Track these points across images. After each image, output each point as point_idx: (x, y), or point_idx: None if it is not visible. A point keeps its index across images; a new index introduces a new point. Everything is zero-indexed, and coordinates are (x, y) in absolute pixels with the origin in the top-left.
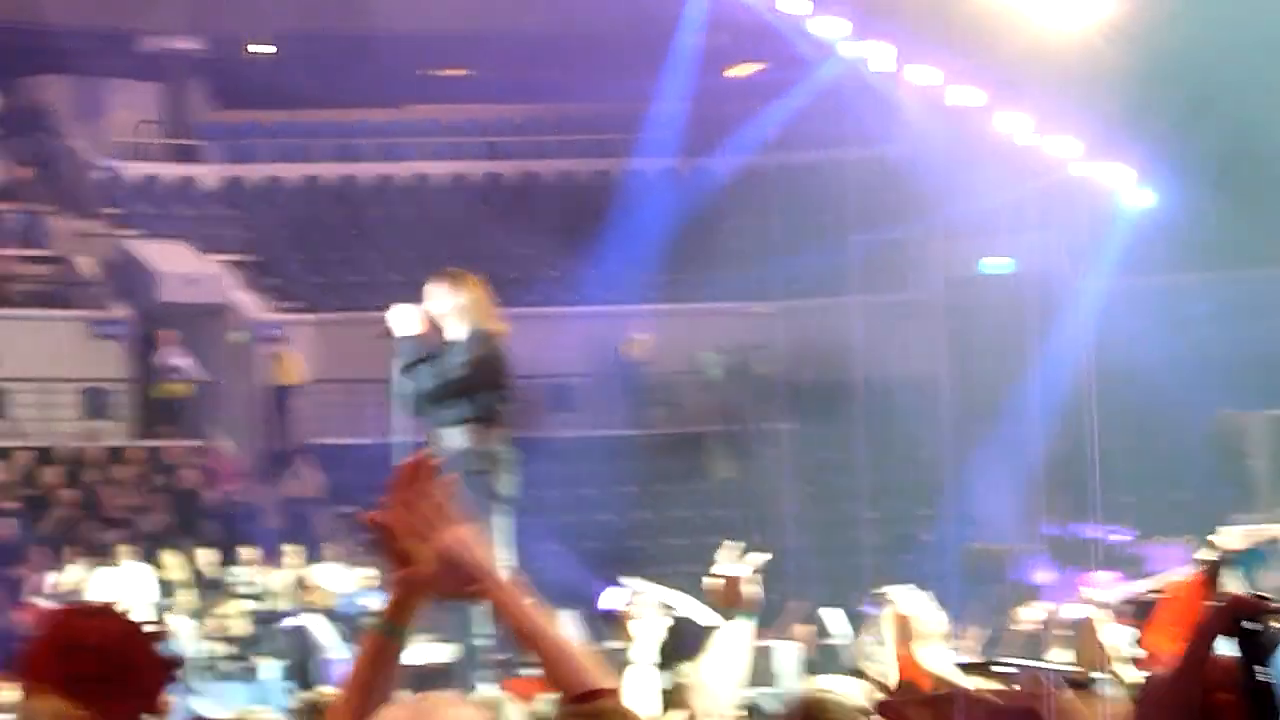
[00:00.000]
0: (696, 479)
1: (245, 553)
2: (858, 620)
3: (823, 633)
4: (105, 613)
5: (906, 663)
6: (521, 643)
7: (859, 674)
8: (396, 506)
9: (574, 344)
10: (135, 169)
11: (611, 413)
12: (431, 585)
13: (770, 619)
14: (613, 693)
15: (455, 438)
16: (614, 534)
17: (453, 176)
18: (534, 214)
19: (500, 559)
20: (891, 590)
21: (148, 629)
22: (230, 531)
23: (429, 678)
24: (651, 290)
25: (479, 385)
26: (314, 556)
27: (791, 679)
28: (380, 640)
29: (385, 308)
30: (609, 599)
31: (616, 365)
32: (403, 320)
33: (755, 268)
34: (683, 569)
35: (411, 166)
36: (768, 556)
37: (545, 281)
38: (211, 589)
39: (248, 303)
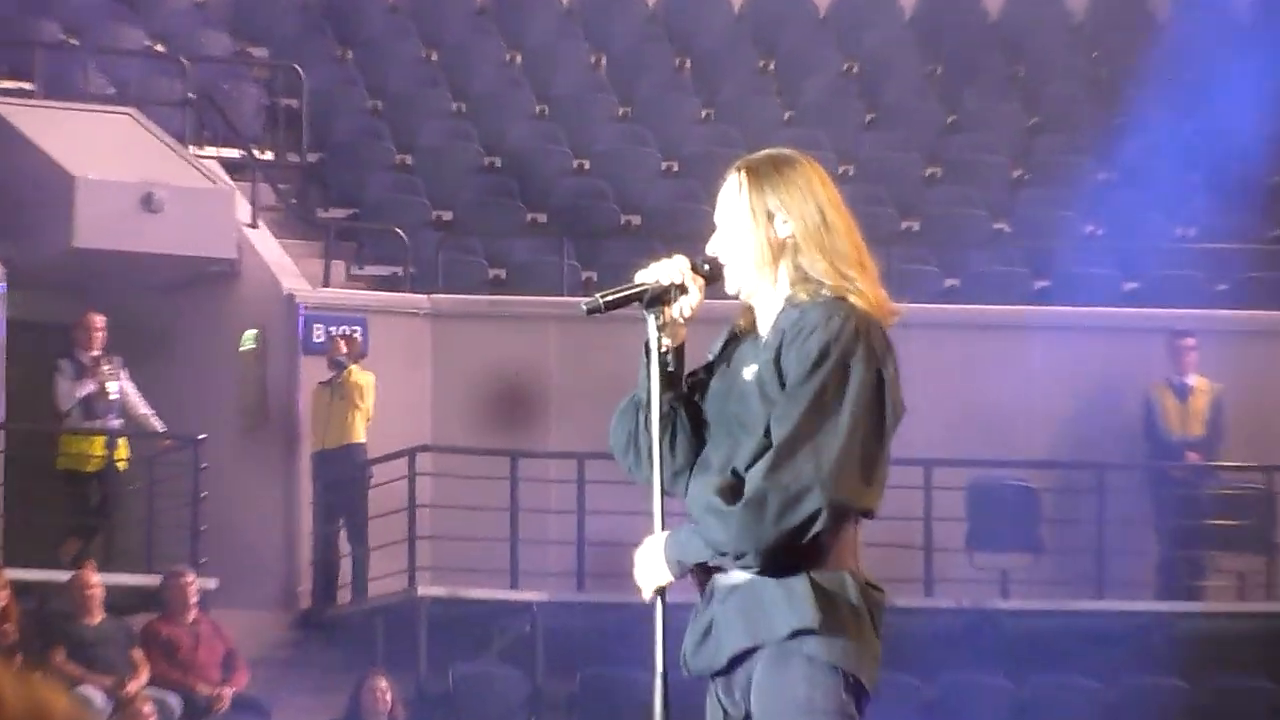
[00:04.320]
0: None
1: None
2: None
3: None
4: None
5: None
6: None
7: None
8: None
9: (1040, 391)
10: None
11: (1126, 560)
12: None
13: None
14: None
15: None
16: None
17: None
18: None
19: None
20: None
21: None
22: None
23: None
24: (1220, 277)
25: (816, 429)
26: None
27: None
28: None
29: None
30: None
31: (1144, 443)
32: (659, 278)
33: None
34: None
35: None
36: None
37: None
38: None
39: (279, 260)
